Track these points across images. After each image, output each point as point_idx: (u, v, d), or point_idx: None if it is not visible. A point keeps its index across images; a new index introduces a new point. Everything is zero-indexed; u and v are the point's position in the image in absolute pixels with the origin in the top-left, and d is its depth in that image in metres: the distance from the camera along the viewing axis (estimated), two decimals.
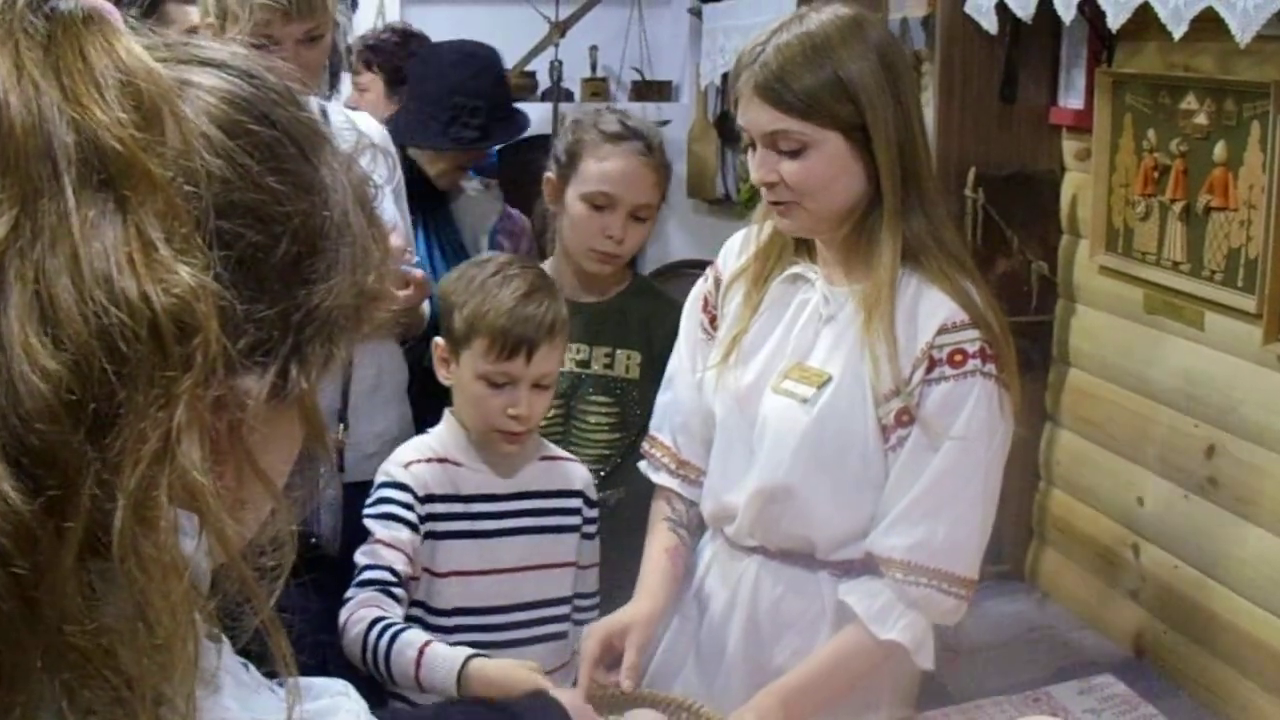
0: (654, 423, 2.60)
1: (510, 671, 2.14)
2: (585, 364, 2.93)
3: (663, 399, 2.60)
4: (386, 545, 2.44)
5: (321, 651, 2.33)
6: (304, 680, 1.05)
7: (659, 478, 2.53)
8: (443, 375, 2.59)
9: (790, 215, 2.26)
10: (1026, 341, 4.13)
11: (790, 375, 2.29)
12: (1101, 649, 3.33)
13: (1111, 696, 2.41)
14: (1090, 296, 3.97)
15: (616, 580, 2.65)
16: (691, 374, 2.49)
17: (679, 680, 2.42)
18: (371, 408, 2.98)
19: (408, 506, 2.48)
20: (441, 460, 2.56)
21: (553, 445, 2.72)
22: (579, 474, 2.68)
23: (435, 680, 2.15)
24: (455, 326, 2.52)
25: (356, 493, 2.92)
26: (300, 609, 2.69)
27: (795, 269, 2.36)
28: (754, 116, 2.21)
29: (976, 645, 3.36)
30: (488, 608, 2.55)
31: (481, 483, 2.56)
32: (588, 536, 2.66)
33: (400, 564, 2.42)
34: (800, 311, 2.33)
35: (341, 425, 2.92)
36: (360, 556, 2.44)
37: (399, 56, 4.52)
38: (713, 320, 2.47)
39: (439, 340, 2.59)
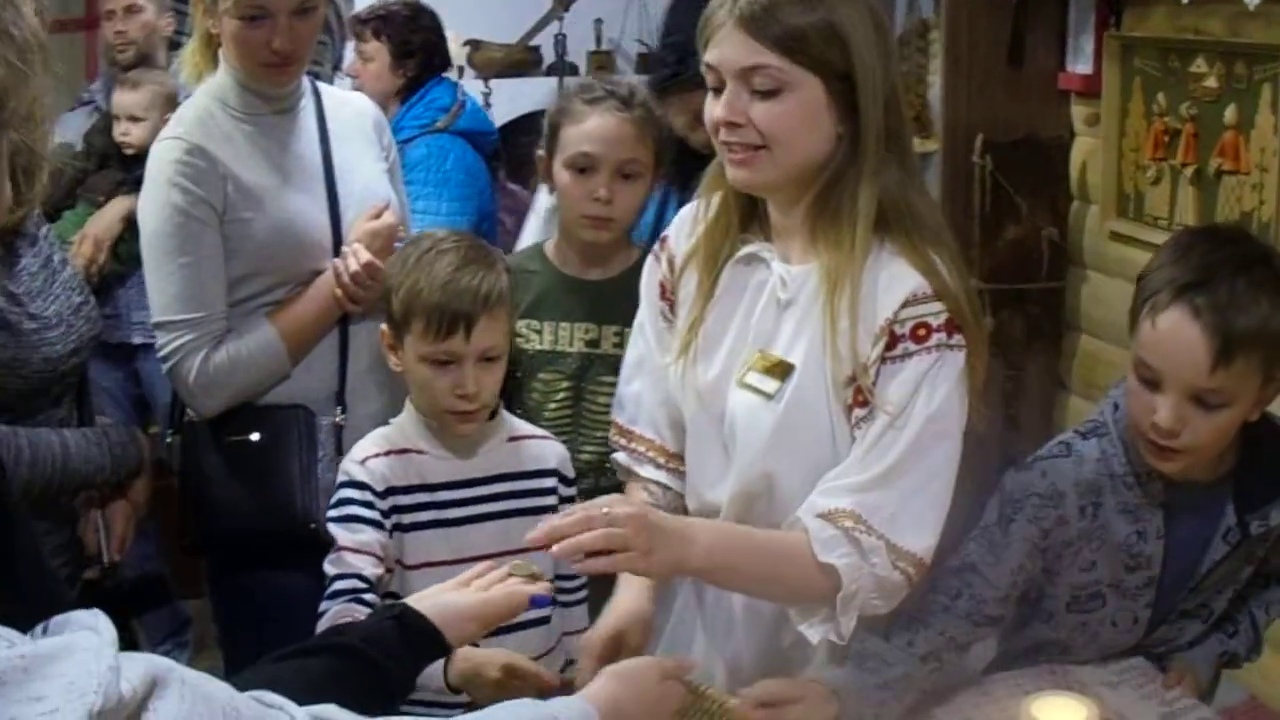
0: (625, 415, 2.45)
1: (493, 656, 2.10)
2: (595, 344, 2.88)
3: (629, 390, 2.45)
4: (352, 550, 2.36)
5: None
6: (56, 619, 0.99)
7: (645, 471, 2.40)
8: (392, 363, 2.53)
9: (750, 165, 2.10)
10: (1037, 309, 4.12)
11: (754, 367, 2.17)
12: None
13: (1129, 669, 2.37)
14: (1101, 262, 3.95)
15: None
16: (662, 360, 2.39)
17: (689, 649, 2.37)
18: (369, 388, 2.94)
19: (368, 505, 2.40)
20: (403, 451, 2.49)
21: (523, 423, 2.63)
22: (552, 451, 2.58)
23: (423, 680, 2.09)
24: (394, 310, 2.46)
25: None
26: (300, 593, 2.67)
27: (749, 249, 2.23)
28: (730, 51, 2.06)
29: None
30: None
31: (447, 470, 2.48)
32: None
33: (369, 568, 2.36)
34: (758, 294, 2.21)
35: (339, 408, 2.90)
36: (328, 566, 2.37)
37: (408, 29, 4.50)
38: (672, 306, 2.37)
39: (384, 327, 2.53)
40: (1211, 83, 3.33)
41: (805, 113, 2.07)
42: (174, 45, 4.45)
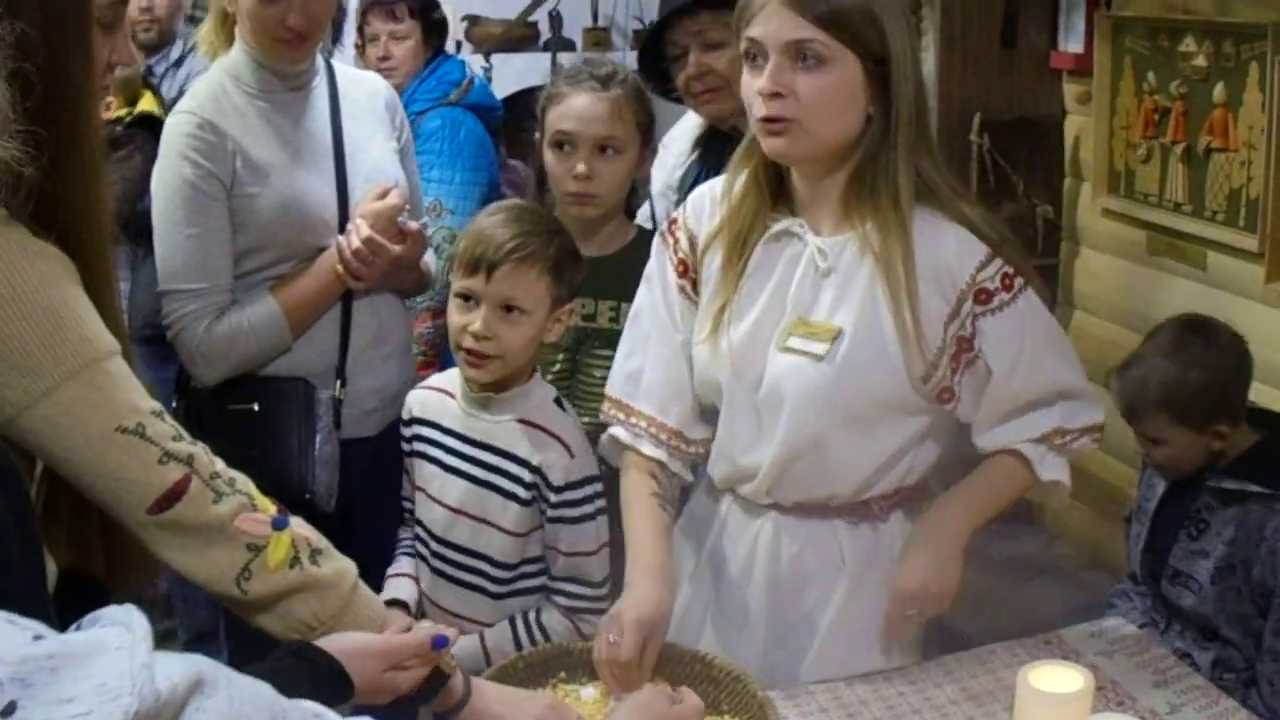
0: (622, 389, 2.50)
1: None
2: (590, 318, 2.93)
3: (629, 366, 2.50)
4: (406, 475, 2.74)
5: None
6: (90, 615, 0.97)
7: (642, 446, 2.45)
8: None
9: (786, 135, 2.19)
10: None
11: (795, 333, 2.26)
12: (1110, 587, 3.36)
13: (1122, 639, 2.41)
14: (1094, 239, 3.99)
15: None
16: (674, 337, 2.43)
17: (697, 643, 2.38)
18: (370, 362, 2.98)
19: (404, 434, 2.72)
20: (442, 390, 2.68)
21: (561, 419, 2.62)
22: (547, 451, 2.56)
23: None
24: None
25: (354, 449, 2.97)
26: None
27: (779, 226, 2.32)
28: (776, 27, 2.16)
29: (985, 588, 3.38)
30: (432, 534, 2.65)
31: (457, 420, 2.63)
32: (552, 520, 2.58)
33: (406, 488, 2.76)
34: (792, 267, 2.29)
35: (339, 381, 2.95)
36: None
37: (433, 5, 4.47)
38: (695, 285, 2.43)
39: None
40: (1200, 61, 3.36)
41: (842, 89, 2.18)
42: (192, 20, 4.47)
